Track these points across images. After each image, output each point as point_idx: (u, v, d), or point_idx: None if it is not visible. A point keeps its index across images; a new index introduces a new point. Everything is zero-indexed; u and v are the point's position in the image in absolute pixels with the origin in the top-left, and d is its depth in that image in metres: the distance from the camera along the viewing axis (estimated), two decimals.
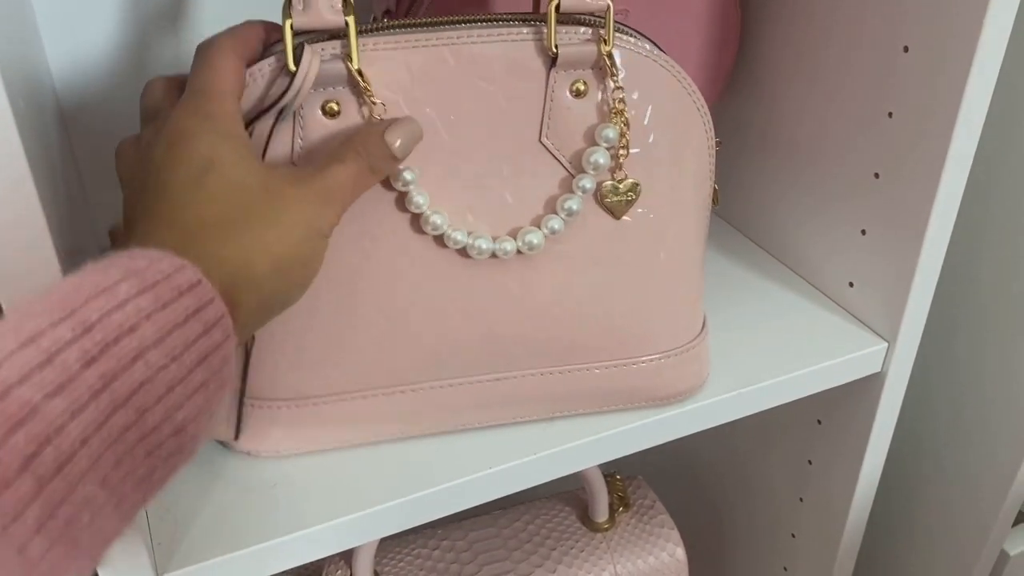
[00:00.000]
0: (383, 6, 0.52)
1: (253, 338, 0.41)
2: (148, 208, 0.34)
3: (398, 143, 0.37)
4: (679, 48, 0.54)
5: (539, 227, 0.41)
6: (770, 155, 0.59)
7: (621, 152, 0.40)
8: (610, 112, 0.40)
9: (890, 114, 0.49)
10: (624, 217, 0.42)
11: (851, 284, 0.55)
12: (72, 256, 0.36)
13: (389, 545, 0.64)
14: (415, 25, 0.39)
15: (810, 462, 0.63)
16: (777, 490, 0.67)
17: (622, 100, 0.40)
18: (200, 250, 0.32)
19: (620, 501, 0.67)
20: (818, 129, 0.54)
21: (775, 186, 0.59)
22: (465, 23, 0.39)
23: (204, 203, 0.33)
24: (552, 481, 0.47)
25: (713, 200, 0.45)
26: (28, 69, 0.42)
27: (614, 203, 0.41)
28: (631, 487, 0.69)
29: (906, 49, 0.47)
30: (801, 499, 0.65)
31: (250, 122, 0.38)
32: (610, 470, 0.68)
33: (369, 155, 0.37)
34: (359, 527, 0.42)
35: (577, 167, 0.41)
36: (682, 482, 0.80)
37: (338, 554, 0.59)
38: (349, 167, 0.36)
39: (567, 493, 0.69)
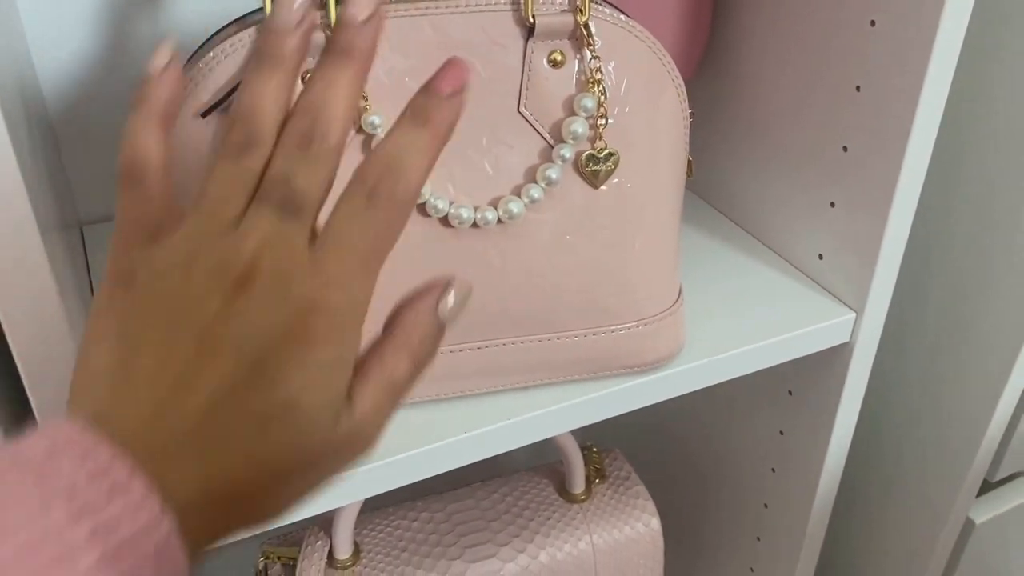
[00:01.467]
0: None
1: None
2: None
3: (448, 312, 0.30)
4: (653, 22, 0.55)
5: (519, 196, 0.42)
6: (741, 129, 0.60)
7: (600, 121, 0.41)
8: (587, 82, 0.41)
9: (858, 88, 0.50)
10: (602, 186, 0.43)
11: (820, 256, 0.56)
12: (52, 233, 0.36)
13: (369, 516, 0.64)
14: None
15: (781, 432, 0.64)
16: (749, 461, 0.69)
17: (599, 70, 0.41)
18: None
19: (596, 473, 0.68)
20: (788, 103, 0.56)
21: (745, 160, 0.61)
22: None
23: (264, 447, 0.25)
24: (530, 455, 0.48)
25: (688, 171, 0.46)
26: (16, 72, 0.42)
27: (593, 172, 0.42)
28: (607, 459, 0.70)
29: (873, 23, 0.48)
30: (773, 469, 0.66)
31: (229, 93, 0.38)
32: (587, 443, 0.69)
33: (423, 345, 0.30)
34: (337, 489, 0.43)
35: (556, 136, 0.42)
36: (657, 454, 0.82)
37: (318, 524, 0.60)
38: (400, 381, 0.28)
39: (545, 466, 0.70)
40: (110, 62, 0.60)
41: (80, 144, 0.62)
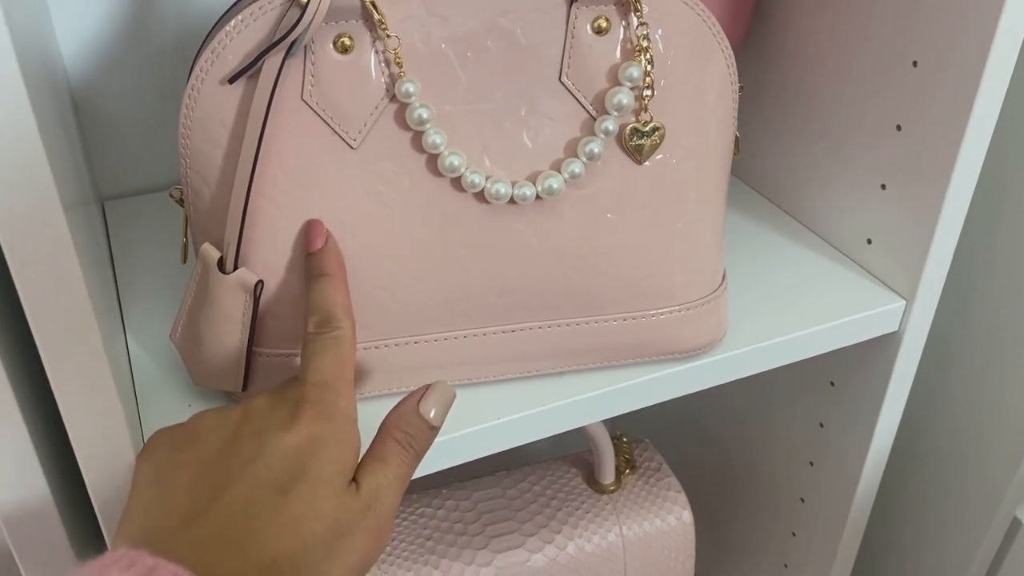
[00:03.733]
0: None
1: (261, 286, 0.39)
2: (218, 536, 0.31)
3: (433, 412, 0.35)
4: None
5: (559, 171, 0.40)
6: (785, 105, 0.58)
7: (646, 92, 0.39)
8: (633, 50, 0.39)
9: (915, 63, 0.48)
10: (646, 162, 0.41)
11: (869, 241, 0.54)
12: (74, 208, 0.34)
13: None
14: None
15: (821, 425, 0.62)
16: (786, 453, 0.66)
17: (646, 37, 0.38)
18: None
19: (626, 463, 0.66)
20: (838, 80, 0.53)
21: (790, 140, 0.58)
22: None
23: None
24: (554, 443, 0.46)
25: (735, 148, 0.44)
26: (41, 46, 0.40)
27: (637, 147, 0.40)
28: (638, 449, 0.68)
29: None
30: (811, 463, 0.64)
31: (258, 58, 0.36)
32: (616, 432, 0.67)
33: (411, 438, 0.35)
34: None
35: (599, 108, 0.39)
36: (689, 445, 0.80)
37: None
38: (394, 466, 0.34)
39: (573, 455, 0.68)
40: (133, 37, 0.58)
41: (102, 119, 0.60)
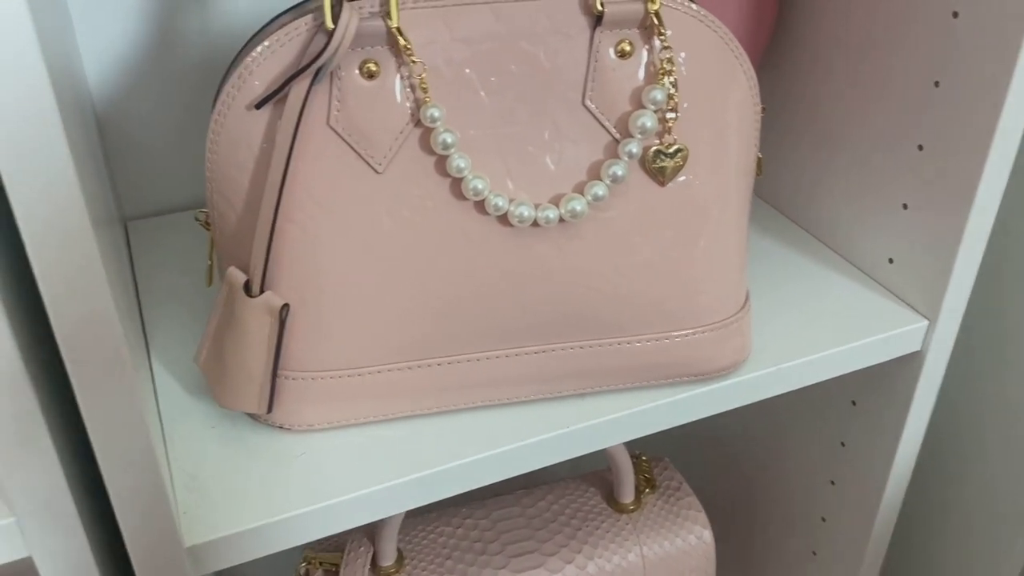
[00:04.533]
0: None
1: (287, 309, 0.39)
2: None
3: None
4: (716, 8, 0.52)
5: (582, 194, 0.40)
6: (805, 125, 0.58)
7: (669, 115, 0.39)
8: (657, 73, 0.39)
9: (937, 83, 0.48)
10: (668, 184, 0.41)
11: (891, 260, 0.54)
12: (100, 228, 0.35)
13: (412, 523, 0.63)
14: None
15: (843, 444, 0.62)
16: (807, 472, 0.66)
17: (670, 60, 0.38)
18: None
19: (646, 482, 0.66)
20: (859, 98, 0.53)
21: (811, 159, 0.58)
22: None
23: None
24: (572, 462, 0.46)
25: (757, 169, 0.44)
26: (67, 66, 0.41)
27: (660, 168, 0.40)
28: (657, 468, 0.68)
29: (955, 15, 0.46)
30: (832, 482, 0.64)
31: (285, 84, 0.36)
32: (636, 451, 0.67)
33: None
34: (386, 499, 0.41)
35: (622, 131, 0.40)
36: (709, 464, 0.79)
37: (361, 531, 0.58)
38: None
39: (592, 474, 0.68)
40: (155, 57, 0.59)
41: (125, 140, 0.61)
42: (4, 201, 0.38)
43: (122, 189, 0.63)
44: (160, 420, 0.44)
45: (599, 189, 0.39)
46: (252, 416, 0.44)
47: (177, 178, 0.63)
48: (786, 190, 0.61)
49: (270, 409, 0.41)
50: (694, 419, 0.47)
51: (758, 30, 0.55)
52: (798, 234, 0.60)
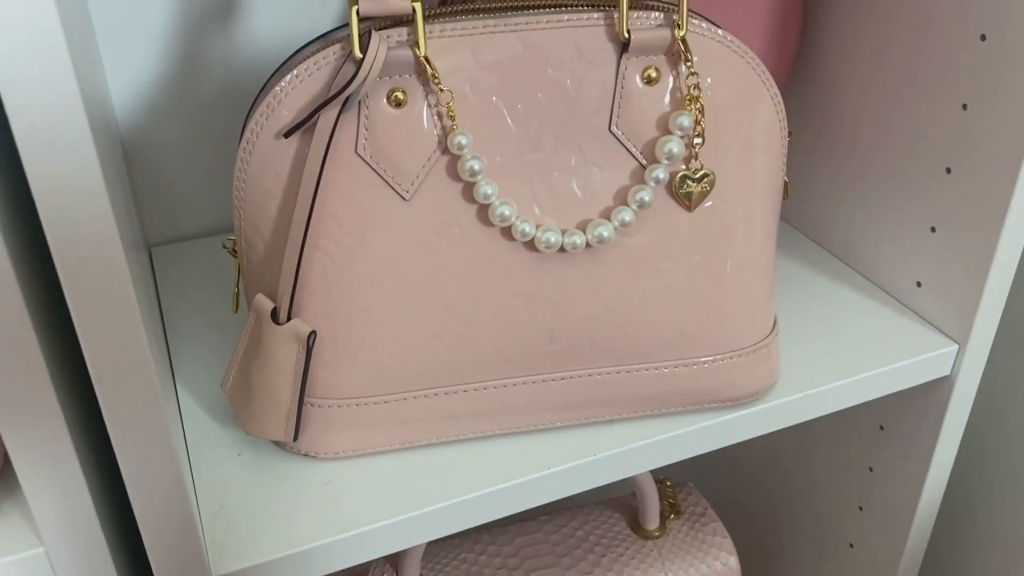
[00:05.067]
0: None
1: (314, 336, 0.39)
2: None
3: None
4: (740, 32, 0.52)
5: (609, 220, 0.40)
6: (830, 148, 0.57)
7: (696, 140, 0.39)
8: (684, 99, 0.39)
9: (964, 106, 0.47)
10: (695, 209, 0.40)
11: (919, 284, 0.53)
12: (128, 253, 0.35)
13: (435, 550, 0.62)
14: (481, 11, 0.38)
15: (871, 469, 0.61)
16: (834, 497, 0.65)
17: (697, 86, 0.38)
18: None
19: (671, 508, 0.65)
20: (885, 122, 0.53)
21: (837, 182, 0.58)
22: (533, 9, 0.38)
23: None
24: (600, 487, 0.46)
25: (784, 193, 0.44)
26: (97, 95, 0.41)
27: (687, 193, 0.40)
28: (682, 494, 0.67)
29: (983, 37, 0.45)
30: (861, 508, 0.63)
31: (314, 112, 0.37)
32: (660, 476, 0.66)
33: None
34: (413, 528, 0.41)
35: (649, 157, 0.39)
36: (733, 489, 0.78)
37: (384, 557, 0.58)
38: None
39: (615, 499, 0.67)
40: (180, 86, 0.59)
41: (149, 166, 0.62)
42: (36, 226, 0.38)
43: (146, 215, 0.63)
44: (187, 447, 0.44)
45: (626, 214, 0.39)
46: (278, 444, 0.44)
47: (201, 204, 0.64)
48: (812, 213, 0.61)
49: (296, 437, 0.41)
50: (723, 446, 0.46)
51: (782, 53, 0.55)
52: (825, 257, 0.59)
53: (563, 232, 0.39)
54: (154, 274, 0.60)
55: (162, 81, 0.59)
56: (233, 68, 0.60)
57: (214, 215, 0.65)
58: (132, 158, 0.61)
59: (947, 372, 0.52)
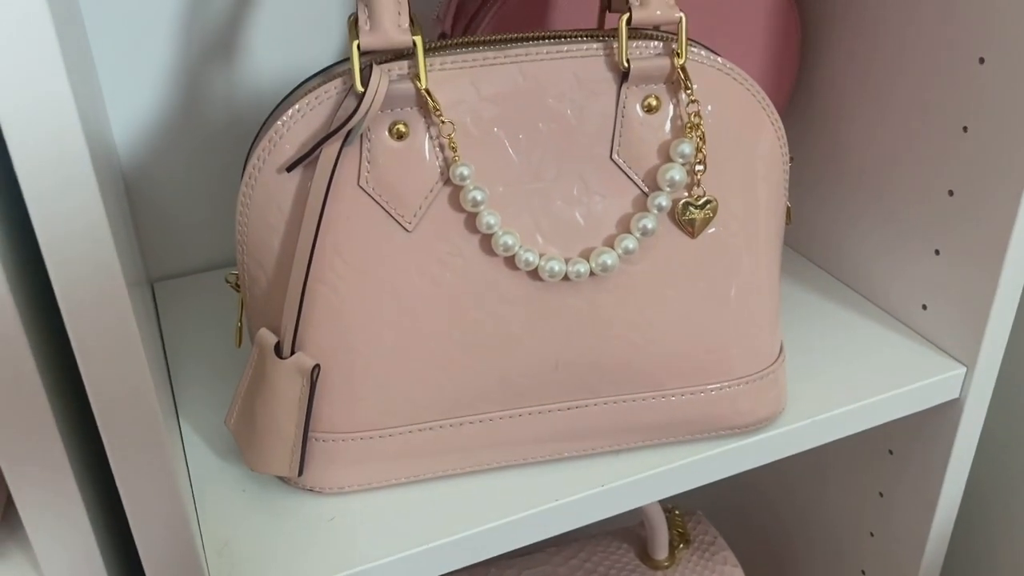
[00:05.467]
0: (437, 30, 0.51)
1: (318, 370, 0.39)
2: None
3: None
4: (737, 57, 0.53)
5: (612, 247, 0.39)
6: (832, 171, 0.58)
7: (697, 168, 0.39)
8: (684, 127, 0.39)
9: (965, 128, 0.47)
10: (699, 235, 0.40)
11: (924, 307, 0.53)
12: (132, 289, 0.35)
13: None
14: (481, 43, 0.38)
15: (881, 494, 0.60)
16: (845, 523, 0.64)
17: (698, 114, 0.38)
18: None
19: (680, 537, 0.65)
20: (887, 144, 0.53)
21: (839, 206, 0.58)
22: (533, 40, 0.38)
23: None
24: (607, 518, 0.45)
25: (787, 218, 0.44)
26: (99, 129, 0.41)
27: (690, 221, 0.40)
28: (690, 522, 0.67)
29: (982, 60, 0.45)
30: (872, 533, 0.62)
31: (316, 146, 0.37)
32: (668, 504, 0.65)
33: None
34: (420, 563, 0.41)
35: (651, 184, 0.39)
36: (742, 516, 0.78)
37: None
38: None
39: (623, 529, 0.66)
40: (182, 122, 0.59)
41: (151, 200, 0.62)
42: (38, 261, 0.38)
43: (148, 249, 0.64)
44: (191, 484, 0.44)
45: (629, 242, 0.39)
46: (283, 479, 0.43)
47: (202, 238, 0.64)
48: (815, 238, 0.61)
49: (301, 472, 0.41)
50: (732, 474, 0.46)
51: (781, 78, 0.55)
52: (828, 282, 0.59)
53: (566, 261, 0.39)
54: (156, 309, 0.60)
55: (163, 114, 0.59)
56: (235, 102, 0.60)
57: (216, 249, 0.65)
58: (133, 191, 0.61)
59: (956, 395, 0.52)
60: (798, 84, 0.58)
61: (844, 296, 0.58)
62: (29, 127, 0.26)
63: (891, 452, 0.58)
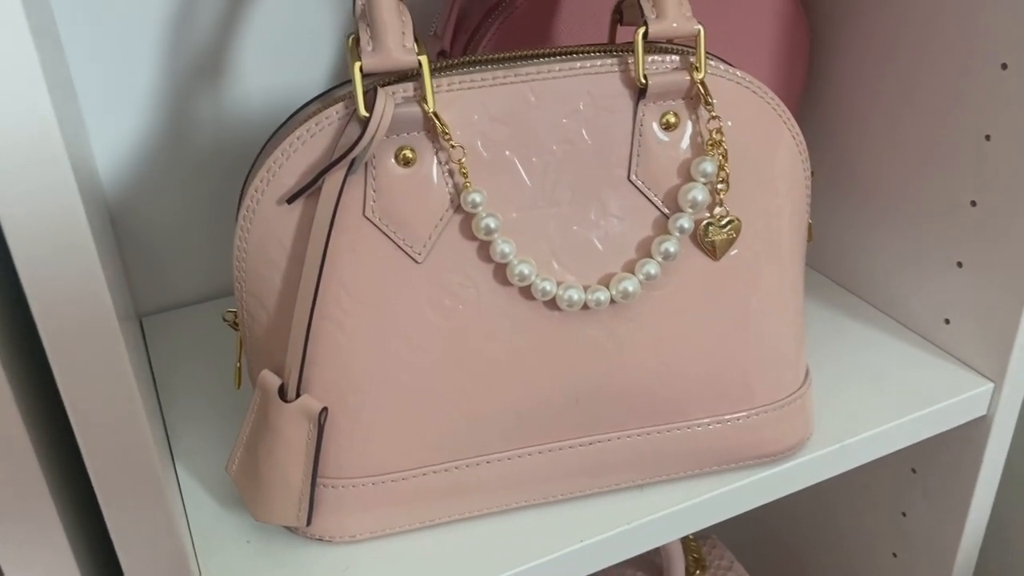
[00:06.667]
0: (436, 47, 0.49)
1: (325, 413, 0.37)
2: None
3: None
4: (746, 71, 0.51)
5: (633, 273, 0.37)
6: (850, 186, 0.56)
7: (720, 187, 0.37)
8: (705, 144, 0.37)
9: (988, 137, 0.46)
10: (722, 257, 0.38)
11: (947, 321, 0.51)
12: (123, 324, 0.32)
13: None
14: (489, 62, 0.36)
15: (904, 514, 0.58)
16: (868, 545, 0.62)
17: (719, 131, 0.37)
18: None
19: (696, 563, 0.63)
20: (905, 157, 0.51)
21: (856, 221, 0.56)
22: (543, 57, 0.36)
23: None
24: None
25: (808, 236, 0.42)
26: (83, 161, 0.39)
27: (714, 242, 0.38)
28: (706, 547, 0.65)
29: (1004, 66, 0.44)
30: (895, 555, 0.60)
31: (319, 176, 0.34)
32: None
33: None
34: None
35: (671, 206, 0.37)
36: (760, 539, 0.75)
37: None
38: None
39: (640, 558, 0.64)
40: (168, 150, 0.57)
41: (137, 232, 0.59)
42: (21, 302, 0.36)
43: (135, 282, 0.61)
44: (191, 536, 0.41)
45: (651, 267, 0.37)
46: (290, 528, 0.41)
47: (191, 271, 0.61)
48: (832, 254, 0.59)
49: (309, 522, 0.38)
50: (761, 503, 0.44)
51: (789, 87, 0.53)
52: (848, 299, 0.57)
53: (585, 288, 0.37)
54: (146, 345, 0.57)
55: (148, 144, 0.57)
56: (222, 130, 0.58)
57: (205, 281, 0.62)
58: (119, 223, 0.59)
59: (983, 412, 0.50)
60: (812, 93, 0.57)
61: (862, 311, 0.56)
62: (14, 164, 0.24)
63: (914, 471, 0.56)
